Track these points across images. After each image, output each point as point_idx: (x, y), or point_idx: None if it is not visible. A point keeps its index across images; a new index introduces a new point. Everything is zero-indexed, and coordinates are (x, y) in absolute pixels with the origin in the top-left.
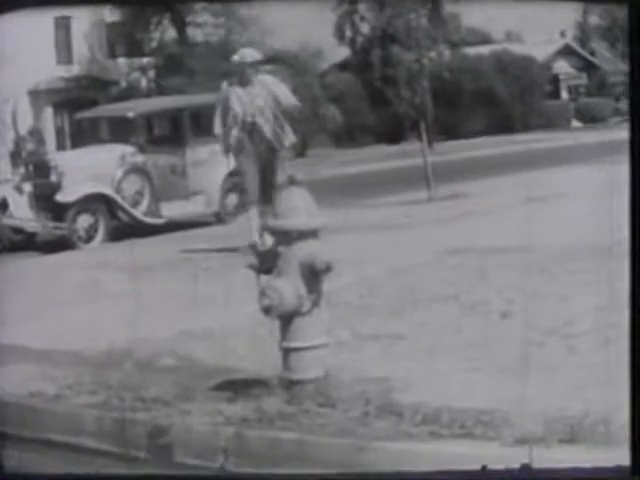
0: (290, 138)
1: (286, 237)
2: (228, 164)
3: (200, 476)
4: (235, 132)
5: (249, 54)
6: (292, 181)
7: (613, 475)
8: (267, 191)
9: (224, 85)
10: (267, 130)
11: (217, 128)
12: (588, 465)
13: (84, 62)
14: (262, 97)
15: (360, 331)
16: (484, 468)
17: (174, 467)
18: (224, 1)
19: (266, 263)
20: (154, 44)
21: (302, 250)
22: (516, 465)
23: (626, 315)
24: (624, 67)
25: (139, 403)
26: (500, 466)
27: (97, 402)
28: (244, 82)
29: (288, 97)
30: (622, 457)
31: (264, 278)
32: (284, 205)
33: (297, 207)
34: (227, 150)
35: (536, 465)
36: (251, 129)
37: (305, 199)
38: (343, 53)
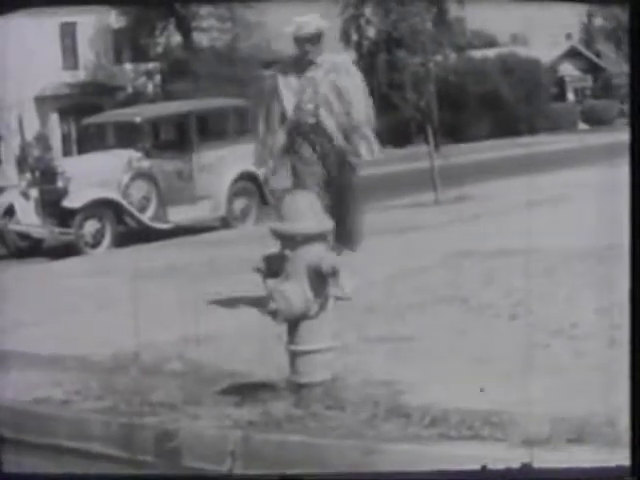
0: (371, 146)
1: (292, 241)
2: (234, 168)
3: (204, 476)
4: (284, 135)
5: (308, 23)
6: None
7: (613, 475)
8: (340, 214)
9: (273, 71)
10: (337, 136)
11: (261, 131)
12: (594, 465)
13: (90, 68)
14: (328, 84)
15: (367, 334)
16: (484, 468)
17: (182, 471)
18: (229, 1)
19: (273, 267)
20: (160, 49)
21: (308, 254)
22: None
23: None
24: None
25: (146, 408)
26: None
27: (104, 407)
28: (302, 65)
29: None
30: (627, 457)
31: (271, 282)
32: (290, 208)
33: (303, 210)
34: (264, 159)
35: (542, 465)
36: (311, 131)
37: (311, 202)
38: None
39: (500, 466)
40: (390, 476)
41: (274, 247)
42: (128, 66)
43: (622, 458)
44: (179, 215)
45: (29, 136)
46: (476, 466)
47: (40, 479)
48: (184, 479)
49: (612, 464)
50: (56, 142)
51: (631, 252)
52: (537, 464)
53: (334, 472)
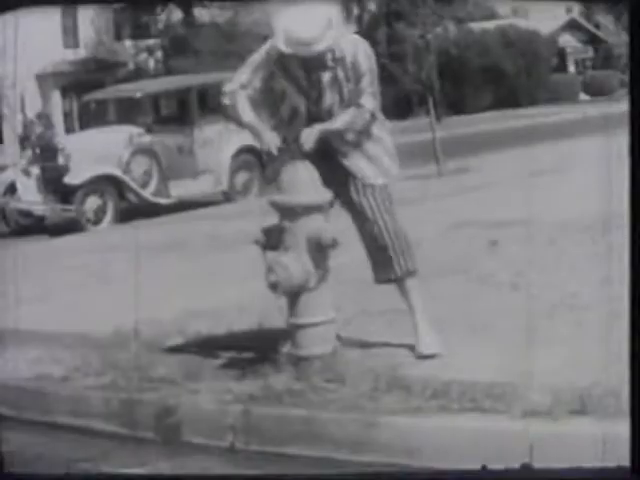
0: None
1: (291, 212)
2: (235, 142)
3: (204, 476)
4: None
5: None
6: (293, 151)
7: (613, 475)
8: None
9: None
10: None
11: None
12: (596, 436)
13: (91, 45)
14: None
15: (368, 306)
16: (484, 467)
17: (182, 446)
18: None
19: (272, 239)
20: (160, 26)
21: (308, 225)
22: (525, 438)
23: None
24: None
25: (146, 383)
26: (508, 442)
27: (105, 383)
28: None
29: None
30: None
31: (270, 254)
32: (289, 180)
33: (302, 182)
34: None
35: (545, 437)
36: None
37: (310, 173)
38: (350, 31)
39: (502, 438)
40: (390, 476)
41: (276, 219)
42: (129, 42)
43: (624, 429)
44: (181, 190)
45: (31, 114)
46: (478, 438)
47: (40, 479)
48: (187, 479)
49: (614, 434)
50: (58, 119)
51: (630, 222)
52: (538, 436)
53: (335, 472)
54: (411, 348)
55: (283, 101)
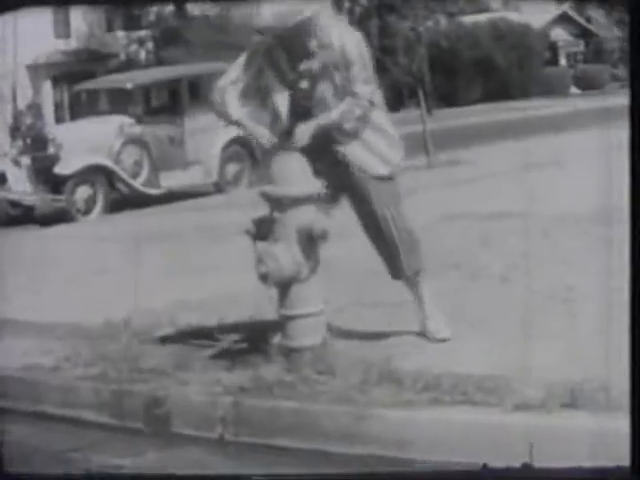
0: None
1: (282, 203)
2: (226, 133)
3: (201, 476)
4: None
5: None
6: (286, 148)
7: (613, 475)
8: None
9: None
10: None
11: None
12: (591, 431)
13: (82, 36)
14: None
15: (360, 298)
16: (485, 466)
17: (172, 438)
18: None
19: (262, 230)
20: (152, 17)
21: (298, 216)
22: (518, 431)
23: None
24: (620, 34)
25: (136, 374)
26: (500, 435)
27: (94, 374)
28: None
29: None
30: (622, 423)
31: (261, 245)
32: (279, 171)
33: (293, 173)
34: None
35: (538, 430)
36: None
37: (301, 164)
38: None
39: (493, 431)
40: (390, 476)
41: (267, 210)
42: (120, 33)
43: (616, 422)
44: (171, 180)
45: (22, 104)
46: (469, 432)
47: (38, 478)
48: (185, 479)
49: (606, 429)
50: (48, 109)
51: (630, 215)
52: (530, 429)
53: (335, 471)
54: (404, 339)
55: (272, 96)
